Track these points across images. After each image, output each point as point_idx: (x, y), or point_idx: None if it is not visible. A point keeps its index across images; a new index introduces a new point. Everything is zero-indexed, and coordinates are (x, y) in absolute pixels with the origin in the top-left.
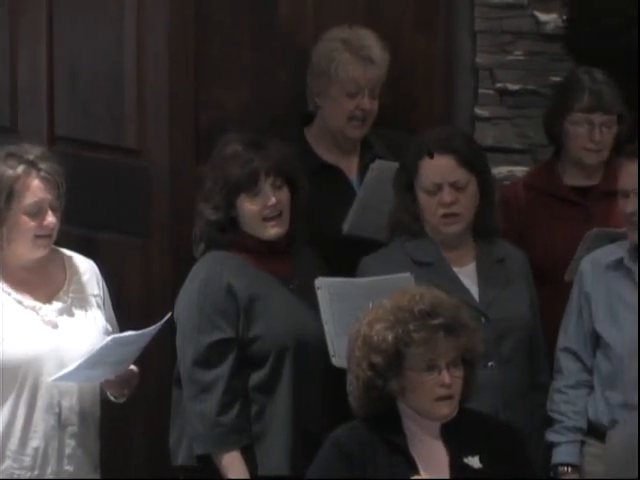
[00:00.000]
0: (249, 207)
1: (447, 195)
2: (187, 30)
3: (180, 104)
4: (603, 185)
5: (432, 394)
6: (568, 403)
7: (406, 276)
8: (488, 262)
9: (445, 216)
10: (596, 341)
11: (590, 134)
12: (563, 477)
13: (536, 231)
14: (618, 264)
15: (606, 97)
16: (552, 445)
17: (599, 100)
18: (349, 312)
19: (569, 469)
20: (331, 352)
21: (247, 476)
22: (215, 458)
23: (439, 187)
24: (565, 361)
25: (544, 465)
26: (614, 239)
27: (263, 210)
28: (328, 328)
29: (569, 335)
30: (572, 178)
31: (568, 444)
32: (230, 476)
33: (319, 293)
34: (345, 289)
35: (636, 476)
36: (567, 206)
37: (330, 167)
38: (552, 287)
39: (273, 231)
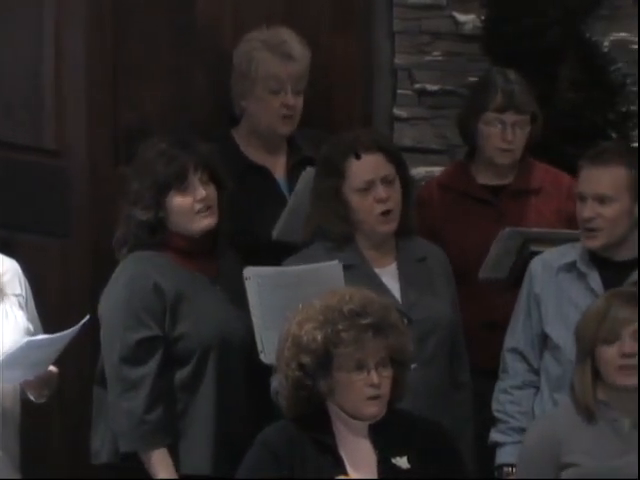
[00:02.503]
0: (180, 201)
1: (383, 190)
2: (105, 30)
3: (99, 104)
4: (515, 184)
5: (361, 394)
6: (514, 404)
7: (334, 264)
8: (409, 262)
9: (383, 213)
10: (543, 342)
11: (502, 134)
12: (507, 477)
13: (450, 231)
14: (570, 267)
15: (518, 97)
16: (496, 445)
17: (511, 100)
18: (278, 304)
19: (513, 469)
20: (259, 347)
21: (175, 474)
22: (142, 456)
23: (371, 184)
24: (512, 362)
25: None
26: (527, 238)
27: (194, 204)
28: (256, 321)
29: (516, 336)
30: (485, 178)
31: (513, 445)
32: (158, 474)
33: (247, 284)
34: (274, 279)
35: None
36: (480, 205)
37: (258, 167)
38: (466, 286)
39: (206, 222)
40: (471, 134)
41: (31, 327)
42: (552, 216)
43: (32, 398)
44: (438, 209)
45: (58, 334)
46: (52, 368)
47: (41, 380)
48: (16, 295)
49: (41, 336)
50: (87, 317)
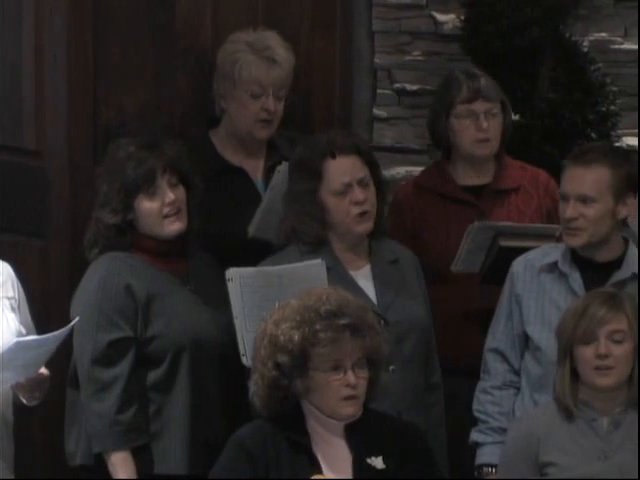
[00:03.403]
0: (148, 206)
1: (360, 193)
2: (85, 31)
3: (79, 105)
4: (494, 184)
5: (337, 394)
6: (494, 404)
7: (317, 263)
8: (382, 264)
9: (360, 215)
10: (525, 343)
11: (476, 124)
12: (487, 477)
13: (429, 232)
14: (552, 267)
15: (484, 87)
16: (476, 445)
17: (477, 90)
18: (260, 304)
19: (493, 470)
20: (241, 350)
21: (135, 475)
22: (105, 456)
23: (348, 186)
24: (493, 362)
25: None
26: (497, 231)
27: (162, 208)
28: (238, 323)
29: (497, 336)
30: (464, 178)
31: (493, 445)
32: (119, 475)
33: (230, 285)
34: (257, 279)
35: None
36: (460, 206)
37: (235, 169)
38: (446, 287)
39: (174, 227)
40: (444, 134)
41: (23, 330)
42: (534, 214)
43: (24, 401)
44: (417, 211)
45: (47, 335)
46: (43, 370)
47: (32, 382)
48: (9, 298)
49: (30, 337)
50: (77, 318)
